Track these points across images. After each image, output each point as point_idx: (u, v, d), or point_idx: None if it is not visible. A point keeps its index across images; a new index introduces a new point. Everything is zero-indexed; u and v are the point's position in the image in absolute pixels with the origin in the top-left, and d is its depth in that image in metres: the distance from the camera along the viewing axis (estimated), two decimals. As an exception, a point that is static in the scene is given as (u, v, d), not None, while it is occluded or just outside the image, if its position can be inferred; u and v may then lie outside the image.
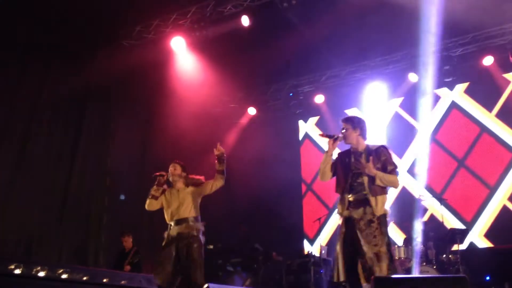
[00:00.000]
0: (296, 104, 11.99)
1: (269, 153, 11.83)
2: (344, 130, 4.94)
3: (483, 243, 9.88)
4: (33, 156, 8.64)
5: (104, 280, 3.06)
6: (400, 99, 11.56)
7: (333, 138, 4.91)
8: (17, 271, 2.82)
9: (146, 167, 10.59)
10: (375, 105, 11.55)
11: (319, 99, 11.97)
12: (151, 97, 10.88)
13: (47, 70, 8.99)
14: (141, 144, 10.91)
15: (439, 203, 9.12)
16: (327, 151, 4.95)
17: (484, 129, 10.43)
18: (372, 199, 4.70)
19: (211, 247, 9.78)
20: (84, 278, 2.95)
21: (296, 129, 12.80)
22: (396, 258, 8.04)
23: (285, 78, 12.00)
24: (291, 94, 11.98)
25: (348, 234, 4.73)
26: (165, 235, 5.74)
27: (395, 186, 4.89)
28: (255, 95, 12.46)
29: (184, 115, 10.39)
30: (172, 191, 5.86)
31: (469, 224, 9.99)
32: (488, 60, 10.29)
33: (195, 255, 5.52)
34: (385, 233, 4.66)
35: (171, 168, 5.93)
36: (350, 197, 4.81)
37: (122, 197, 6.09)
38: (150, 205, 5.86)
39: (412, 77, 10.87)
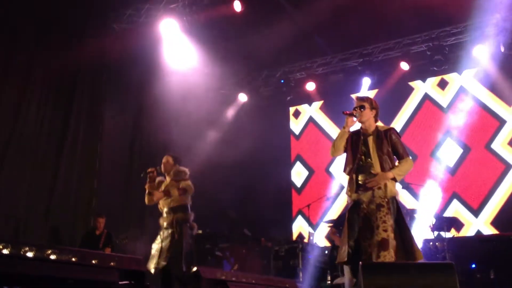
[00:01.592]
0: (287, 91, 11.99)
1: (259, 140, 11.83)
2: (361, 108, 4.82)
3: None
4: (22, 138, 8.57)
5: (93, 262, 3.05)
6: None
7: (351, 115, 4.82)
8: (5, 251, 2.80)
9: (136, 151, 10.59)
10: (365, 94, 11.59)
11: (310, 86, 11.96)
12: (142, 82, 10.82)
13: (36, 52, 8.90)
14: (132, 128, 10.86)
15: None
16: (344, 127, 4.85)
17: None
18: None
19: (200, 232, 9.79)
20: (73, 259, 2.94)
21: (286, 116, 12.80)
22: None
23: (276, 65, 11.97)
24: (282, 81, 11.96)
25: (356, 217, 4.63)
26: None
27: (410, 170, 4.81)
28: (246, 82, 12.42)
29: (175, 100, 10.34)
30: (164, 182, 6.14)
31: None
32: (478, 50, 10.29)
33: (172, 245, 5.80)
34: (393, 219, 4.55)
35: (163, 160, 6.18)
36: (360, 179, 4.72)
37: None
38: (149, 201, 6.14)
39: (404, 65, 10.88)
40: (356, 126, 4.95)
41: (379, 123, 4.97)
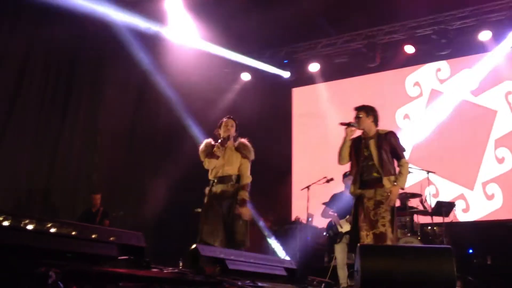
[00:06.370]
0: (290, 71, 11.90)
1: (261, 120, 11.78)
2: (357, 118, 5.39)
3: None
4: (23, 113, 8.58)
5: (93, 236, 3.06)
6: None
7: (348, 125, 5.36)
8: (6, 223, 2.80)
9: (137, 126, 10.59)
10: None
11: (313, 67, 11.85)
12: (144, 57, 10.75)
13: (37, 28, 8.83)
14: (133, 103, 10.84)
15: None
16: (345, 137, 5.39)
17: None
18: (385, 179, 5.10)
19: (199, 210, 9.81)
20: (73, 233, 2.94)
21: (289, 97, 12.72)
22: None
23: (280, 44, 11.87)
24: (286, 61, 11.87)
25: (360, 211, 5.15)
26: (207, 191, 5.69)
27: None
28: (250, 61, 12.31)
29: (178, 76, 10.30)
30: (220, 148, 5.64)
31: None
32: (485, 35, 10.18)
33: (237, 217, 5.48)
34: (392, 215, 5.04)
35: (229, 123, 5.73)
36: (364, 177, 5.23)
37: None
38: (211, 163, 5.63)
39: (409, 49, 10.78)
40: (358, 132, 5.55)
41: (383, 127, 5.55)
